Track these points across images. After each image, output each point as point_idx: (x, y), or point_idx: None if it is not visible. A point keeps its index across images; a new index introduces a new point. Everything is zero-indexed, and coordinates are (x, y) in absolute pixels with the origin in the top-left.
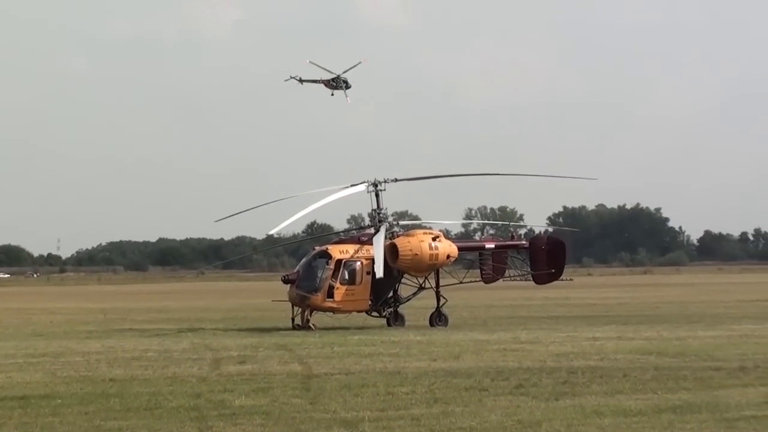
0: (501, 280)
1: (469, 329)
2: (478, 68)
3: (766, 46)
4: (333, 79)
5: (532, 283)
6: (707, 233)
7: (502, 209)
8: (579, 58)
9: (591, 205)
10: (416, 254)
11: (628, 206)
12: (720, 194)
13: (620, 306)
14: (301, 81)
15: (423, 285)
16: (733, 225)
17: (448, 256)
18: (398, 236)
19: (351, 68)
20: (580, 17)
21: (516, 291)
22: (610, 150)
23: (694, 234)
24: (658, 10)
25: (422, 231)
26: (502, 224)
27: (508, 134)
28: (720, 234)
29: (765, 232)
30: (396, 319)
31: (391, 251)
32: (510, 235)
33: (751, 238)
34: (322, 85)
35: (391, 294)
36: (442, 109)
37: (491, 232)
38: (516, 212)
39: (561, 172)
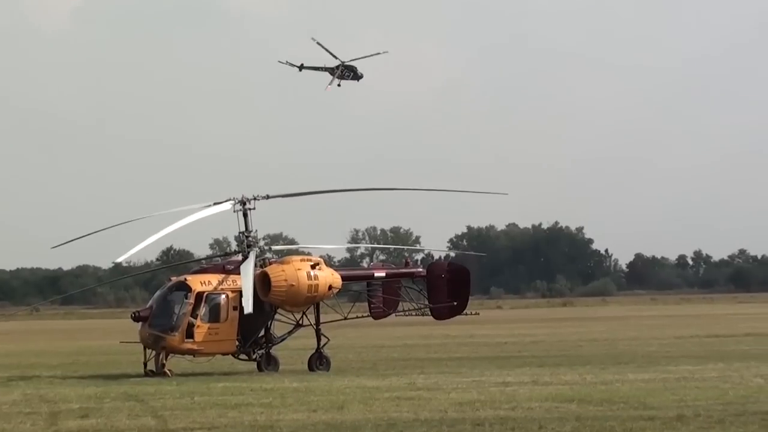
0: (393, 314)
1: (355, 374)
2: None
3: (680, 53)
4: (339, 67)
5: (431, 318)
6: (638, 257)
7: (395, 231)
8: (487, 58)
9: (501, 225)
10: (292, 285)
11: (545, 226)
12: (653, 212)
13: (535, 345)
14: (300, 68)
15: (300, 322)
16: (669, 247)
17: (330, 287)
18: (271, 264)
19: (363, 57)
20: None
21: (411, 328)
22: (523, 161)
23: (623, 258)
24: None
25: (299, 257)
26: (394, 248)
27: (402, 144)
28: (653, 258)
29: (706, 255)
30: (268, 363)
31: (263, 282)
32: (404, 261)
33: (690, 262)
34: (327, 74)
35: (262, 333)
36: (324, 115)
37: (382, 257)
38: (411, 234)
39: (465, 186)
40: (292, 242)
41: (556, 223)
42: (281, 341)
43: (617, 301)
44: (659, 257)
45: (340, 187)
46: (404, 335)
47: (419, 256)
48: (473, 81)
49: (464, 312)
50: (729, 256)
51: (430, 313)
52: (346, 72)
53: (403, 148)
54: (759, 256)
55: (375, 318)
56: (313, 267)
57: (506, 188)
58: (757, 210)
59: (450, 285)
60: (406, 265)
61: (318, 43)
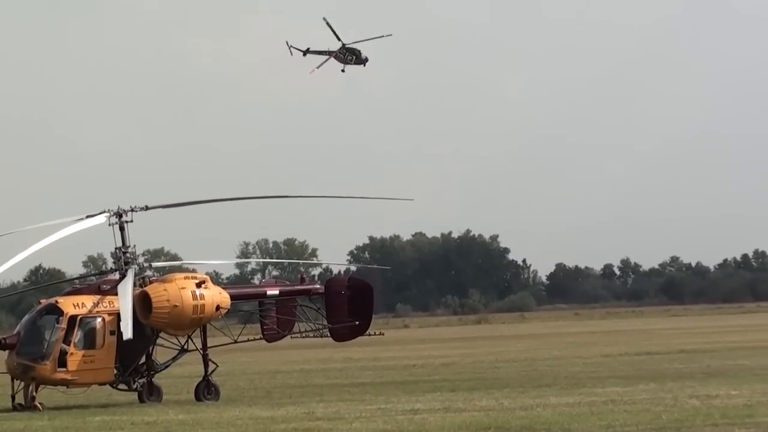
0: (289, 337)
1: (247, 403)
2: (258, 61)
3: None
4: (341, 51)
5: (330, 339)
6: (560, 268)
7: (289, 243)
8: (383, 52)
9: (406, 235)
10: (175, 306)
11: (455, 235)
12: (575, 217)
13: (447, 367)
14: (305, 52)
15: (185, 346)
16: (594, 257)
17: (218, 308)
18: (151, 282)
19: (368, 39)
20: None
21: (309, 351)
22: (431, 163)
23: (543, 269)
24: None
25: (183, 275)
26: (289, 263)
27: (298, 144)
28: (576, 268)
29: (635, 264)
30: (151, 393)
31: (143, 303)
32: (300, 277)
33: (618, 272)
34: (332, 59)
35: (143, 360)
36: (207, 112)
37: (275, 273)
38: (307, 247)
39: (367, 192)
40: (175, 258)
41: (468, 231)
42: (164, 368)
43: (537, 317)
44: (583, 267)
45: (227, 196)
46: (301, 359)
47: (317, 271)
48: (377, 78)
49: (367, 332)
50: (660, 265)
51: (329, 335)
52: (349, 55)
53: (298, 151)
54: (693, 264)
55: (268, 341)
56: (198, 285)
57: (412, 194)
58: (689, 215)
59: (351, 303)
60: (302, 281)
61: (327, 23)
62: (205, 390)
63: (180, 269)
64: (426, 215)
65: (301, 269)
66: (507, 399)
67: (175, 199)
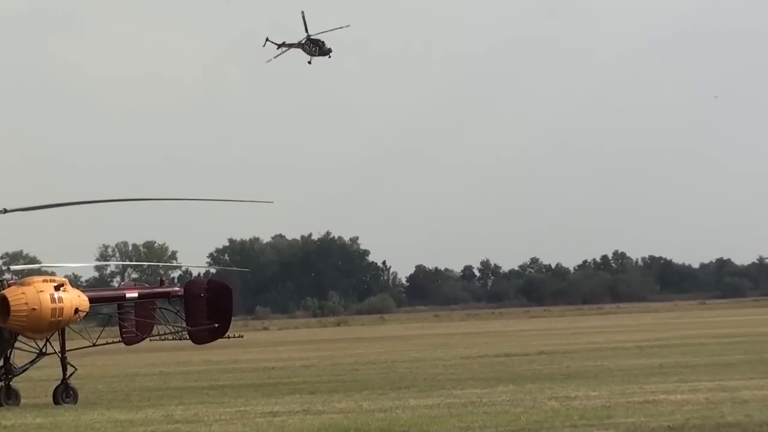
0: (148, 339)
1: (106, 406)
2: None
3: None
4: (307, 42)
5: (189, 342)
6: (420, 269)
7: (149, 246)
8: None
9: (266, 237)
10: (34, 309)
11: (315, 237)
12: (435, 219)
13: (306, 369)
14: (280, 46)
15: (44, 350)
16: (454, 258)
17: (77, 311)
18: (9, 286)
19: (328, 31)
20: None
21: (168, 354)
22: (290, 165)
23: (403, 271)
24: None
25: (41, 278)
26: (148, 266)
27: (157, 145)
28: (436, 270)
29: (495, 265)
30: (8, 397)
31: (0, 306)
32: (159, 279)
33: (477, 273)
34: (300, 50)
35: (1, 363)
36: (65, 118)
37: (134, 276)
38: (167, 249)
39: (226, 194)
40: (34, 261)
41: (328, 233)
42: (22, 372)
43: (397, 319)
44: (443, 269)
45: (85, 199)
46: (160, 362)
47: (176, 274)
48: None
49: (226, 335)
50: (520, 267)
51: (188, 337)
52: (313, 47)
53: (155, 153)
54: (553, 266)
55: (127, 344)
56: (57, 288)
57: (271, 195)
58: (549, 216)
59: (210, 305)
60: (161, 283)
61: (303, 17)
62: (64, 393)
63: (39, 272)
64: (286, 217)
65: (161, 272)
66: (366, 401)
67: (34, 202)
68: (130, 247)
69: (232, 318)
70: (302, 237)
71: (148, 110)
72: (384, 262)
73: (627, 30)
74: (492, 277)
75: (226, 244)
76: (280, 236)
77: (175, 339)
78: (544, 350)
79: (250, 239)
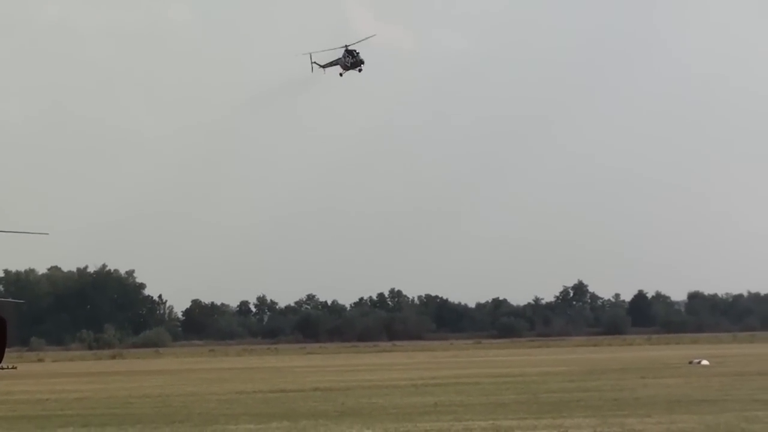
0: None
1: None
2: None
3: None
4: (345, 54)
5: None
6: (196, 304)
7: None
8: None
9: (42, 269)
10: None
11: (92, 269)
12: (211, 253)
13: (80, 402)
14: (323, 66)
15: None
16: (230, 293)
17: None
18: None
19: (357, 42)
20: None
21: None
22: (66, 194)
23: (179, 305)
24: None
25: None
26: None
27: None
28: (213, 305)
29: (271, 300)
30: None
31: None
32: None
33: (254, 309)
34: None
35: None
36: None
37: None
38: None
39: (1, 224)
40: None
41: (104, 266)
42: None
43: (172, 353)
44: (219, 304)
45: None
46: None
47: None
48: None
49: (0, 366)
50: (296, 302)
51: None
52: (348, 58)
53: None
54: (329, 302)
55: None
56: None
57: (47, 227)
58: (325, 252)
59: None
60: None
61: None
62: None
63: None
64: (62, 249)
65: None
66: None
67: None
68: None
69: (6, 349)
70: (78, 269)
71: None
72: (160, 296)
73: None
74: (268, 313)
75: (1, 275)
76: (56, 268)
77: None
78: (319, 386)
79: (25, 270)
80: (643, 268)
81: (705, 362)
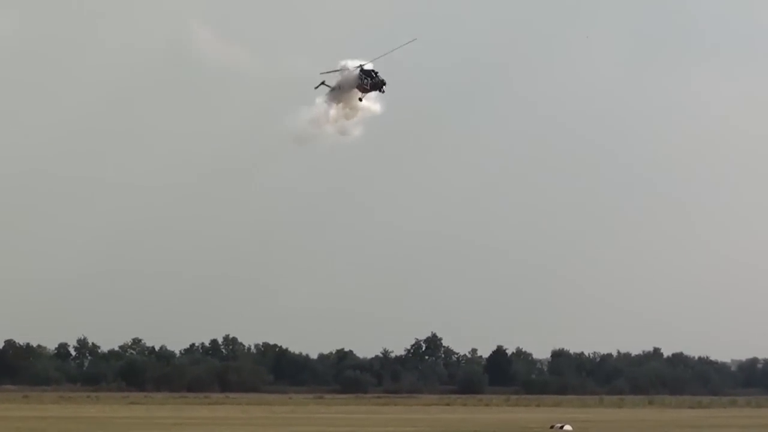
0: None
1: None
2: None
3: None
4: (360, 75)
5: None
6: (9, 344)
7: None
8: None
9: None
10: None
11: None
12: (30, 289)
13: None
14: (333, 89)
15: None
16: (47, 334)
17: None
18: None
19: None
20: None
21: None
22: None
23: None
24: None
25: None
26: None
27: None
28: (29, 346)
29: (93, 344)
30: None
31: None
32: None
33: (74, 353)
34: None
35: None
36: None
37: None
38: None
39: None
40: None
41: None
42: None
43: None
44: (35, 345)
45: None
46: None
47: None
48: None
49: None
50: (120, 347)
51: None
52: (365, 78)
53: None
54: (157, 348)
55: None
56: None
57: None
58: (153, 295)
59: None
60: None
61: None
62: None
63: None
64: None
65: None
66: None
67: None
68: None
69: None
70: None
71: None
72: None
73: None
74: (89, 357)
75: None
76: None
77: None
78: None
79: None
80: (503, 321)
81: (568, 427)
